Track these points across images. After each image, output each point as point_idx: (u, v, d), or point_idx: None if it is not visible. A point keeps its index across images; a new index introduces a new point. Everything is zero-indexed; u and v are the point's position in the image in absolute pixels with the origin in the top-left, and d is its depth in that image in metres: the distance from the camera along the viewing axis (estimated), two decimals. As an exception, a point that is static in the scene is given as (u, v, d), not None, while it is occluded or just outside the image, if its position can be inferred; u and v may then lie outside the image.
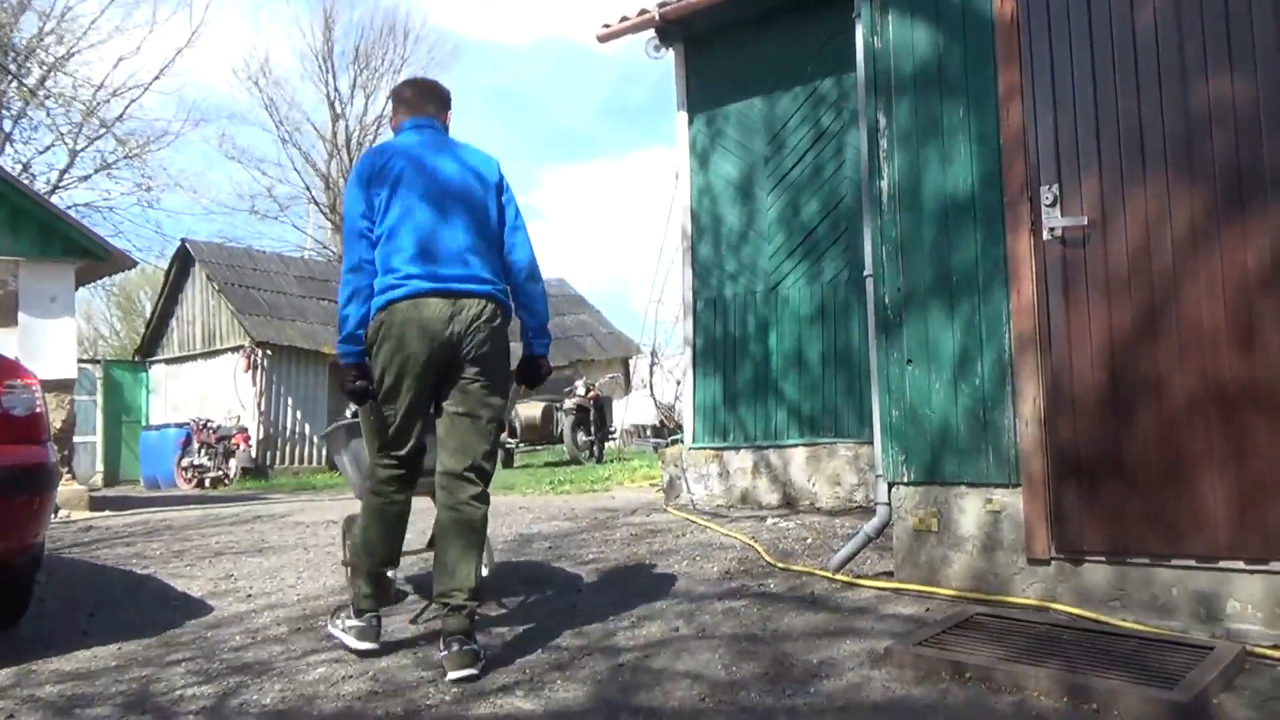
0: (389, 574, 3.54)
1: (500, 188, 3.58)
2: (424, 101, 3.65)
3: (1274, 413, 3.02)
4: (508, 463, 15.55)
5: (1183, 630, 3.13)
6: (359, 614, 3.45)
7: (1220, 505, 3.12)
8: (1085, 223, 3.41)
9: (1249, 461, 3.07)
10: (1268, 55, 3.09)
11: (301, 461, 17.82)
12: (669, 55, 7.37)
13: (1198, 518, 3.16)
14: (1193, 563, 3.18)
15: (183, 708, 3.03)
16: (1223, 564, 3.12)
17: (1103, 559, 3.37)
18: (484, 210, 3.48)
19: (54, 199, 19.33)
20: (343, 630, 3.50)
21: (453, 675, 3.06)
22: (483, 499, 3.35)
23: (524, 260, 3.54)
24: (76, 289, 10.81)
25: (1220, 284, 3.14)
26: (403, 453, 3.36)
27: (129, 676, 3.44)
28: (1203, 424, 3.16)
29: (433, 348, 3.24)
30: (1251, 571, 3.06)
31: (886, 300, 3.98)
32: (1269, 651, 2.91)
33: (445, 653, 3.11)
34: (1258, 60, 3.10)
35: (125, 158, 23.38)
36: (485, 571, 4.02)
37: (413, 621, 3.83)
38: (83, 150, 23.29)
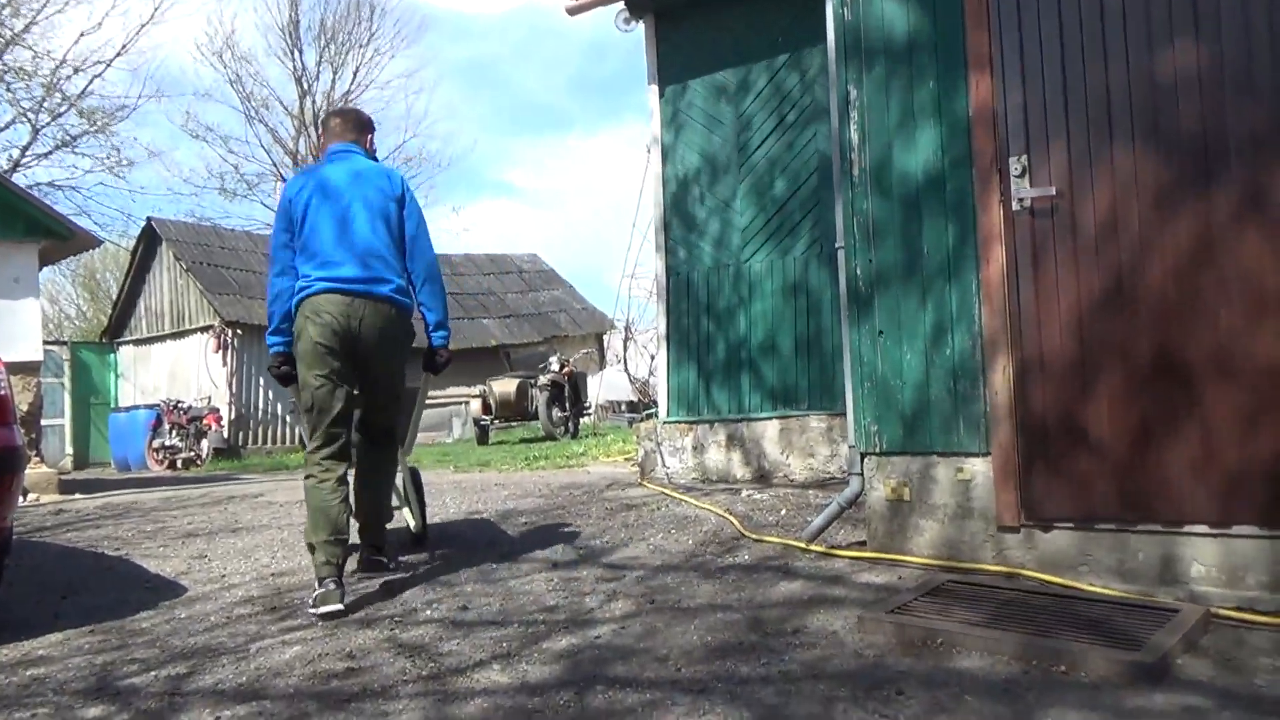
0: (338, 563, 3.85)
1: (402, 200, 4.08)
2: (345, 130, 4.25)
3: (1231, 381, 3.07)
4: (483, 439, 15.54)
5: (1148, 594, 3.19)
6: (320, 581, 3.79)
7: (1184, 471, 3.17)
8: (1054, 193, 3.44)
9: (1210, 428, 3.12)
10: (1232, 22, 3.11)
11: (274, 442, 17.72)
12: (639, 28, 7.32)
13: (1163, 484, 3.21)
14: (1158, 528, 3.24)
15: (154, 688, 3.02)
16: (1187, 529, 3.18)
17: (1070, 525, 3.42)
18: (385, 220, 4.01)
19: (15, 177, 18.98)
20: (311, 603, 3.75)
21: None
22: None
23: (422, 264, 4.08)
24: (40, 269, 10.63)
25: (1183, 254, 3.18)
26: (333, 422, 3.90)
27: (101, 659, 3.42)
28: (1166, 392, 3.20)
29: (334, 334, 3.81)
30: (1215, 535, 3.13)
31: (858, 272, 4.00)
32: (1231, 613, 2.97)
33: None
34: (1222, 27, 3.13)
35: (88, 132, 22.93)
36: (410, 517, 4.94)
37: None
38: (45, 127, 22.84)
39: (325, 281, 3.84)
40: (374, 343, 3.90)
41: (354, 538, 4.12)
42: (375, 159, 4.28)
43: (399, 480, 4.60)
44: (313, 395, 3.85)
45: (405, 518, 5.02)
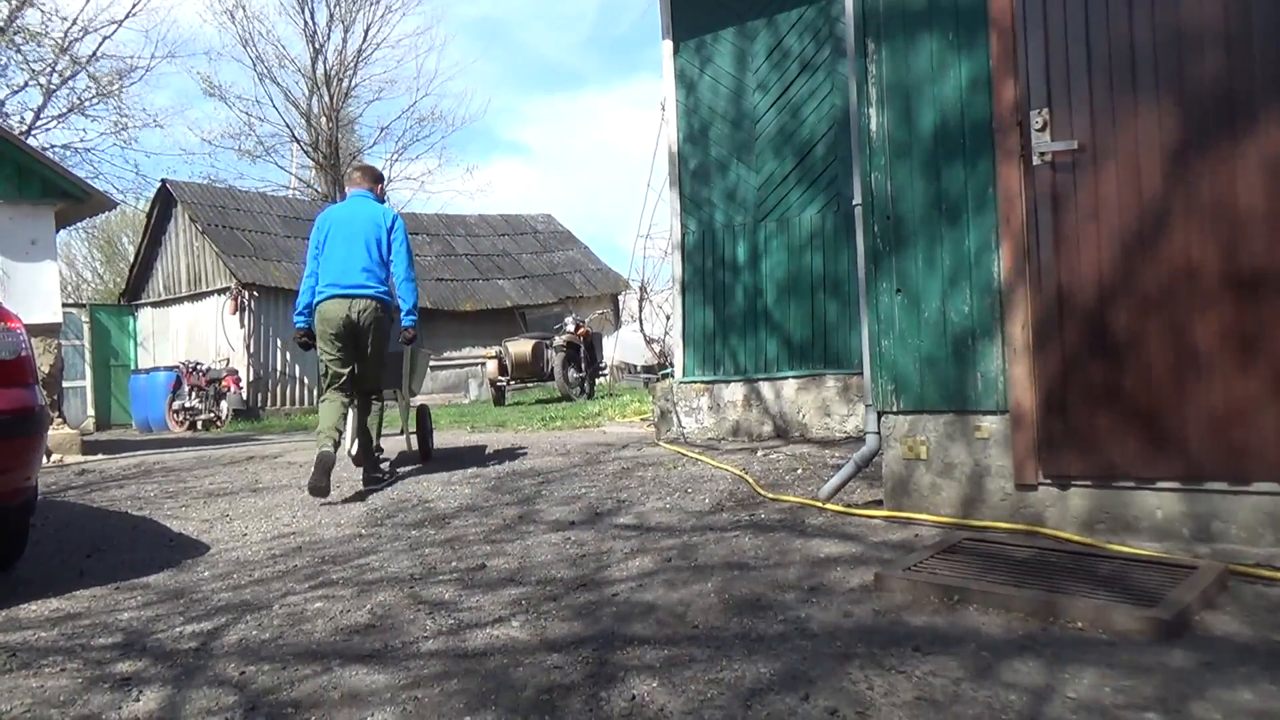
0: (335, 438, 5.73)
1: (390, 230, 5.96)
2: (363, 180, 6.22)
3: (1256, 342, 3.04)
4: (499, 400, 15.60)
5: (1167, 551, 3.19)
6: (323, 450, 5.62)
7: (1205, 428, 3.15)
8: (1075, 147, 3.39)
9: (1234, 386, 3.09)
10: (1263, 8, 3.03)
11: (293, 403, 17.84)
12: (654, -18, 7.21)
13: (1181, 442, 3.19)
14: (1177, 485, 3.22)
15: (181, 645, 3.07)
16: (1207, 485, 3.16)
17: (1089, 483, 3.41)
18: (377, 245, 5.89)
19: (29, 140, 18.97)
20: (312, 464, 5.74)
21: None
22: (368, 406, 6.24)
23: (400, 272, 5.94)
24: (57, 231, 10.66)
25: (1209, 208, 3.13)
26: (339, 377, 5.89)
27: (126, 616, 3.47)
28: (1189, 352, 3.17)
29: (338, 326, 5.73)
30: (1235, 492, 3.11)
31: (876, 230, 3.96)
32: (1251, 570, 2.96)
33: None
34: (1252, 10, 3.05)
35: (98, 95, 22.87)
36: (414, 443, 7.10)
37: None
38: (56, 89, 22.80)
39: (332, 288, 5.76)
40: (364, 325, 5.78)
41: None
42: (382, 201, 6.23)
43: (411, 416, 7.12)
44: (326, 365, 5.90)
45: (412, 444, 7.08)
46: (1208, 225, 3.14)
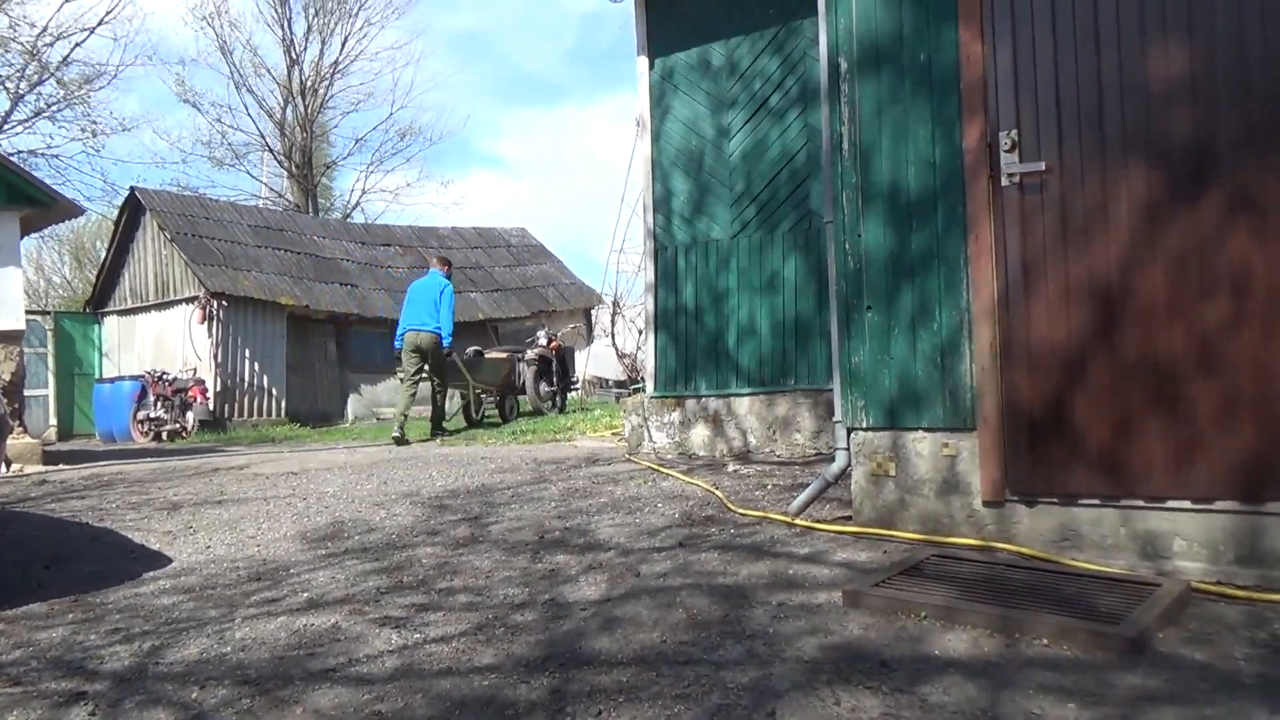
0: (402, 421, 10.33)
1: (441, 291, 10.59)
2: (437, 265, 11.11)
3: (1217, 360, 3.08)
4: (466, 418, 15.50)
5: (1131, 569, 3.21)
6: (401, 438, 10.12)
7: (1167, 449, 3.18)
8: (1043, 168, 3.43)
9: (1196, 405, 3.13)
10: (1226, 20, 3.09)
11: (260, 414, 17.63)
12: (629, -2, 7.24)
13: (1146, 461, 3.23)
14: (1140, 503, 3.26)
15: (136, 660, 3.01)
16: (1170, 504, 3.20)
17: (1055, 501, 3.44)
18: (434, 301, 10.54)
19: (-4, 145, 18.70)
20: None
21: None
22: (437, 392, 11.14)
23: (445, 314, 10.53)
24: (22, 237, 10.51)
25: (1172, 237, 3.18)
26: (410, 375, 10.67)
27: (83, 630, 3.41)
28: (1152, 370, 3.21)
29: (412, 349, 10.55)
30: (1197, 511, 3.15)
31: (847, 247, 3.98)
32: (1212, 588, 3.00)
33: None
34: (1217, 10, 3.11)
35: (65, 100, 22.63)
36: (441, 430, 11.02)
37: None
38: (24, 95, 22.53)
39: (406, 325, 10.59)
40: (426, 346, 10.46)
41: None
42: (448, 278, 10.86)
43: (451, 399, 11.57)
44: (404, 369, 10.54)
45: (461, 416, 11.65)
46: (1169, 250, 3.18)
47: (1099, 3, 3.33)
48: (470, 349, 12.27)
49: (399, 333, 10.64)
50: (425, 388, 10.96)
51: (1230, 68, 3.09)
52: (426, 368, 10.49)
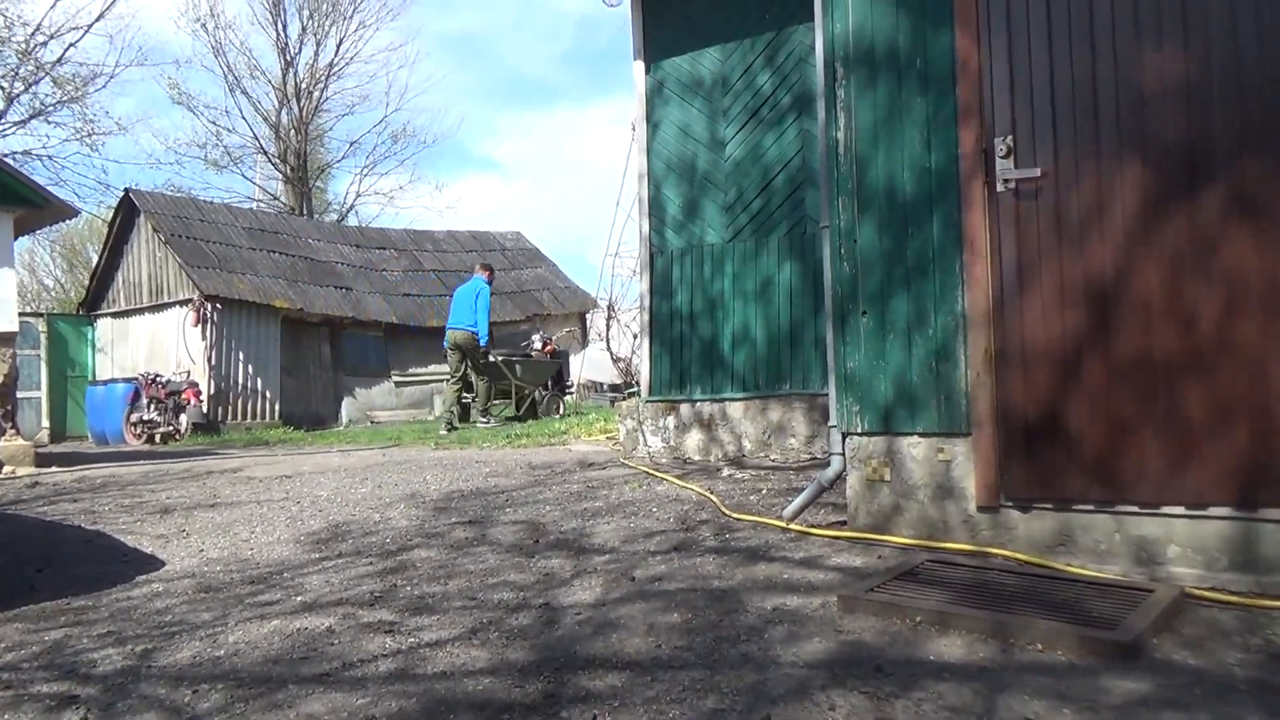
0: (450, 417, 12.21)
1: (478, 293, 12.02)
2: (480, 271, 12.55)
3: (1212, 367, 3.09)
4: (464, 417, 15.49)
5: (1125, 574, 3.22)
6: (449, 426, 11.91)
7: (1161, 454, 3.19)
8: (1038, 174, 3.44)
9: (1190, 411, 3.14)
10: (1221, 26, 3.10)
11: (254, 417, 17.57)
12: (624, 2, 7.26)
13: (1140, 466, 3.23)
14: (1134, 509, 3.26)
15: (128, 663, 3.00)
16: (1164, 510, 3.20)
17: (1049, 506, 3.45)
18: (472, 301, 12.00)
19: (-10, 146, 18.65)
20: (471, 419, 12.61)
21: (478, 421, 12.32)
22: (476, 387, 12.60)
23: (482, 315, 12.01)
24: (16, 238, 10.48)
25: (1166, 243, 3.19)
26: (454, 375, 12.56)
27: (75, 633, 3.39)
28: (1145, 374, 3.22)
29: (452, 346, 12.26)
30: (1191, 517, 3.15)
31: (842, 252, 3.99)
32: (1206, 593, 3.00)
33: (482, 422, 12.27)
34: (1210, 16, 3.12)
35: (62, 100, 22.57)
36: (486, 416, 12.49)
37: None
38: (19, 95, 22.46)
39: (448, 325, 12.36)
40: (462, 344, 12.06)
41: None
42: (489, 283, 12.28)
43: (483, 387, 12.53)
44: (450, 363, 12.37)
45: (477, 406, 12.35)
46: (1164, 257, 3.19)
47: (1094, 9, 3.35)
48: (520, 352, 14.15)
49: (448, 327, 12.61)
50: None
51: (1225, 72, 3.10)
52: (468, 362, 12.24)
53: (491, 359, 12.84)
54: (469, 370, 12.21)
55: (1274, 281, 3.01)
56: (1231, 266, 3.08)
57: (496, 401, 13.16)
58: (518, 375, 13.55)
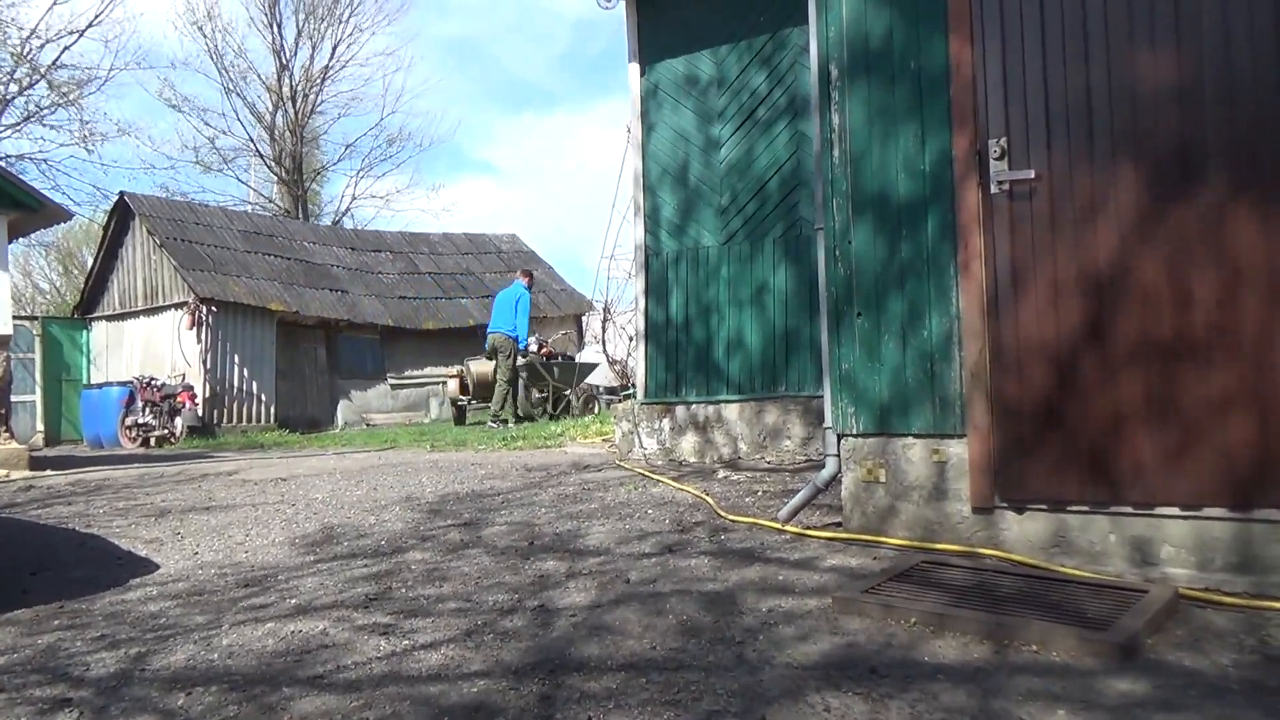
0: (504, 415, 12.98)
1: (517, 299, 12.98)
2: (520, 276, 13.48)
3: (1206, 368, 3.10)
4: (460, 419, 15.48)
5: (1120, 575, 3.22)
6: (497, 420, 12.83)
7: (1156, 455, 3.19)
8: (1032, 176, 3.44)
9: (1185, 412, 3.14)
10: (1212, 27, 3.11)
11: (249, 420, 17.56)
12: (620, 5, 7.27)
13: (1135, 467, 3.24)
14: (1130, 510, 3.27)
15: (122, 666, 2.99)
16: (1158, 511, 3.21)
17: (1044, 507, 3.45)
18: (512, 306, 13.02)
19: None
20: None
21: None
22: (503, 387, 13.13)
23: (521, 320, 12.98)
24: (10, 242, 10.46)
25: (1160, 245, 3.19)
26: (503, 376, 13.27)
27: (69, 636, 3.38)
28: (1141, 375, 3.22)
29: (491, 349, 13.19)
30: (1185, 517, 3.16)
31: (837, 254, 3.99)
32: (1200, 594, 3.00)
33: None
34: (1203, 21, 3.13)
35: (57, 104, 22.54)
36: (510, 416, 12.98)
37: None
38: (14, 98, 22.43)
39: (490, 329, 13.33)
40: (500, 346, 12.93)
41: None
42: (528, 288, 13.19)
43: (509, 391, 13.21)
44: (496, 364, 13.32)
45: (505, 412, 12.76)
46: (1158, 260, 3.20)
47: (1088, 12, 3.35)
48: (556, 357, 14.74)
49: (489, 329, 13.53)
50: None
51: (1218, 75, 3.11)
52: (498, 364, 12.99)
53: (530, 361, 13.64)
54: (497, 370, 12.88)
55: (1274, 269, 3.01)
56: (1226, 269, 3.08)
57: (504, 415, 13.49)
58: (555, 377, 14.12)
